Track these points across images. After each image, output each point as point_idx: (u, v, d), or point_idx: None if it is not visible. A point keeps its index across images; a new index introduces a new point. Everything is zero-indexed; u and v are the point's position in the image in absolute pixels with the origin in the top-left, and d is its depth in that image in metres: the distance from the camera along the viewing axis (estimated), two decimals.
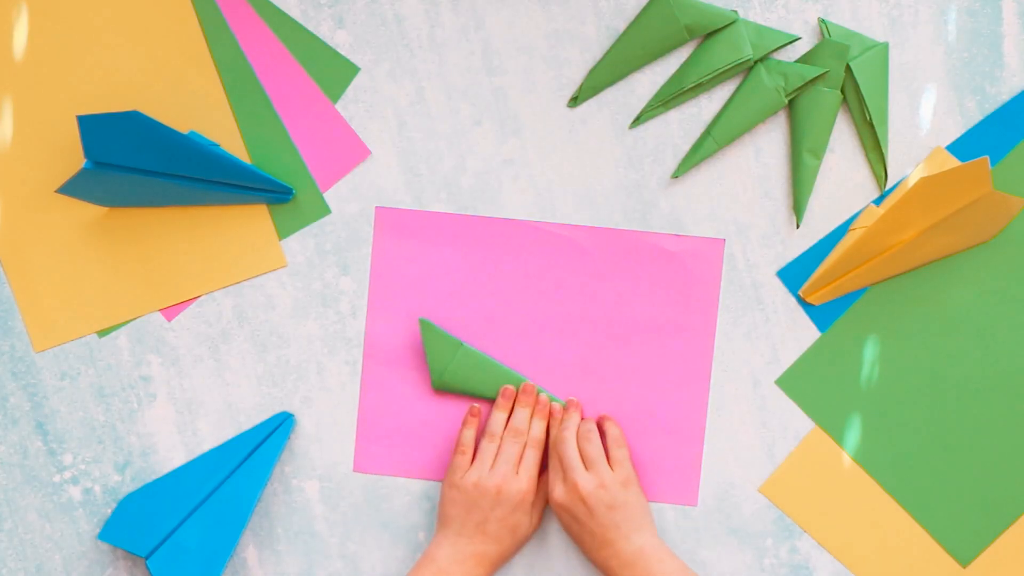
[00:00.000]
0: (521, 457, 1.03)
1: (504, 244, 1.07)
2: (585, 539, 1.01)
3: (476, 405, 1.05)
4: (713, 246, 1.06)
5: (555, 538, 1.07)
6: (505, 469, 1.02)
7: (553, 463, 1.03)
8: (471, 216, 1.07)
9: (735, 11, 1.04)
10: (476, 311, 1.07)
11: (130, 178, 1.00)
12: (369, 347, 1.07)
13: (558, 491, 1.01)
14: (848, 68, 1.04)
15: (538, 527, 1.06)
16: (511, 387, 1.05)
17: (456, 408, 1.07)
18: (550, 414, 1.05)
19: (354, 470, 1.07)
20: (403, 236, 1.07)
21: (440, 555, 1.02)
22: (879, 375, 1.06)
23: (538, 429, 1.04)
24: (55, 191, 1.02)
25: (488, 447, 1.03)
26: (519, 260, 1.07)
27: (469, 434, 1.05)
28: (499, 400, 1.05)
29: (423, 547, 1.07)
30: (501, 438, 1.04)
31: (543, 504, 1.05)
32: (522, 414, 1.04)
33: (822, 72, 1.03)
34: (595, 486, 1.00)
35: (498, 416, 1.04)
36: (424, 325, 1.04)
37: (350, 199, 1.07)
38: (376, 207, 1.07)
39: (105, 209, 1.07)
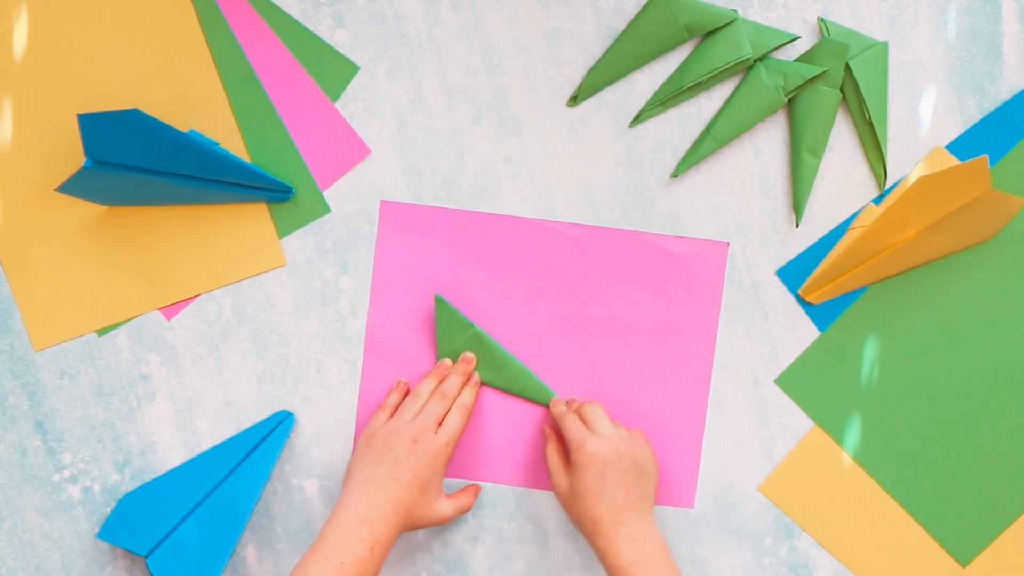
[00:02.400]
0: (443, 420, 1.01)
1: (508, 241, 1.07)
2: (604, 502, 0.97)
3: (405, 379, 1.05)
4: (717, 249, 1.06)
5: (555, 538, 1.07)
6: (424, 423, 1.00)
7: (570, 426, 1.00)
8: (476, 212, 1.07)
9: (734, 10, 1.04)
10: (477, 307, 1.07)
11: (130, 177, 1.00)
12: (370, 342, 1.07)
13: (591, 443, 0.97)
14: (848, 67, 1.04)
15: (449, 519, 1.02)
16: (448, 360, 1.04)
17: None
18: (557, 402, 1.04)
19: None
20: (407, 231, 1.07)
21: (354, 501, 0.97)
22: (878, 374, 1.06)
23: (468, 396, 1.03)
24: (55, 190, 1.02)
25: (411, 405, 1.02)
26: (522, 257, 1.07)
27: (395, 396, 1.04)
28: (434, 369, 1.04)
29: (421, 546, 1.07)
30: (426, 401, 1.02)
31: (457, 499, 1.02)
32: (454, 380, 1.03)
33: (821, 71, 1.03)
34: (631, 443, 0.99)
35: (427, 381, 1.03)
36: (438, 302, 1.04)
37: (350, 198, 1.07)
38: (381, 200, 1.07)
39: (105, 208, 1.07)
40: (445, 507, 1.01)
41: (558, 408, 1.04)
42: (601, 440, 0.98)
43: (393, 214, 1.07)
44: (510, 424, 1.07)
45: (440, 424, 1.01)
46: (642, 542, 0.96)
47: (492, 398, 1.07)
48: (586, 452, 0.97)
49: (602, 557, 0.97)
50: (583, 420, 1.01)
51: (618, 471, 0.97)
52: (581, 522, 0.98)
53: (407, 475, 0.98)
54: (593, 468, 0.97)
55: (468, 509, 1.04)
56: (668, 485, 1.06)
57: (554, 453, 1.03)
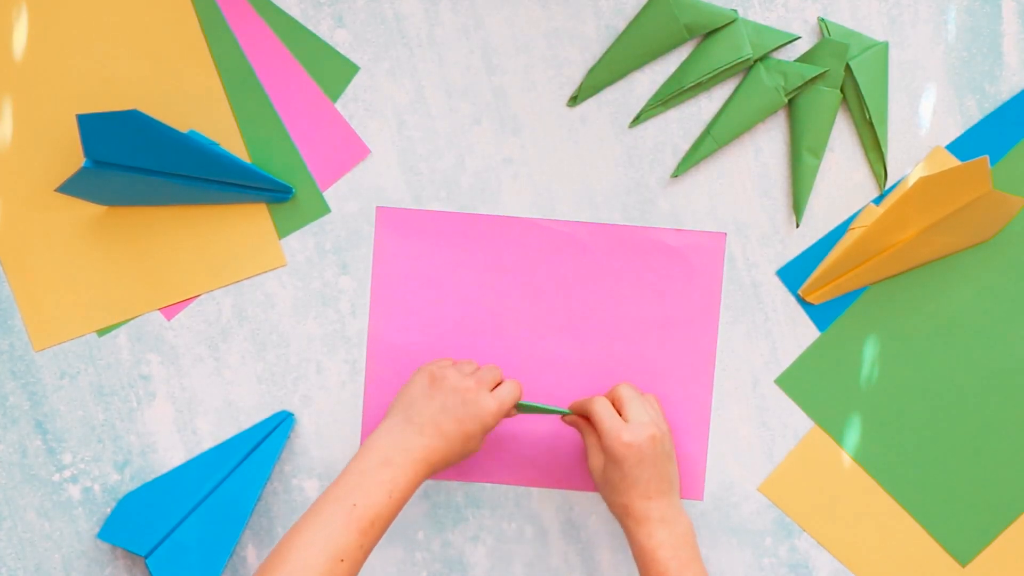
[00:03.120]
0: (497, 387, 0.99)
1: (505, 241, 1.07)
2: (640, 484, 0.96)
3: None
4: (714, 240, 1.06)
5: (555, 538, 1.07)
6: (482, 380, 0.97)
7: (602, 414, 0.97)
8: (471, 214, 1.07)
9: (735, 10, 1.04)
10: (478, 309, 1.07)
11: (130, 177, 1.00)
12: (372, 348, 1.07)
13: (627, 434, 0.95)
14: (848, 67, 1.04)
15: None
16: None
17: None
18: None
19: None
20: (404, 235, 1.07)
21: (383, 442, 0.94)
22: (879, 374, 1.06)
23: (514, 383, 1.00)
24: (55, 190, 1.02)
25: (466, 364, 1.00)
26: (520, 257, 1.07)
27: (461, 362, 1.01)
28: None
29: (423, 546, 1.07)
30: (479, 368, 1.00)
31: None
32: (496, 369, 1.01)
33: (822, 71, 1.03)
34: (660, 424, 0.98)
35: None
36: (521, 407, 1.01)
37: (350, 198, 1.07)
38: (377, 207, 1.07)
39: (105, 208, 1.07)
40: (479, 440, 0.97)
41: (584, 401, 1.01)
42: (637, 429, 0.95)
43: (390, 219, 1.07)
44: (511, 425, 1.07)
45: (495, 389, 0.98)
46: (673, 524, 0.96)
47: None
48: (624, 443, 0.95)
49: (631, 536, 0.96)
50: (615, 403, 0.99)
51: (652, 460, 0.95)
52: (612, 503, 0.98)
53: (451, 425, 0.94)
54: (628, 460, 0.95)
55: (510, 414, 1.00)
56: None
57: (590, 434, 1.00)
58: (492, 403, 0.96)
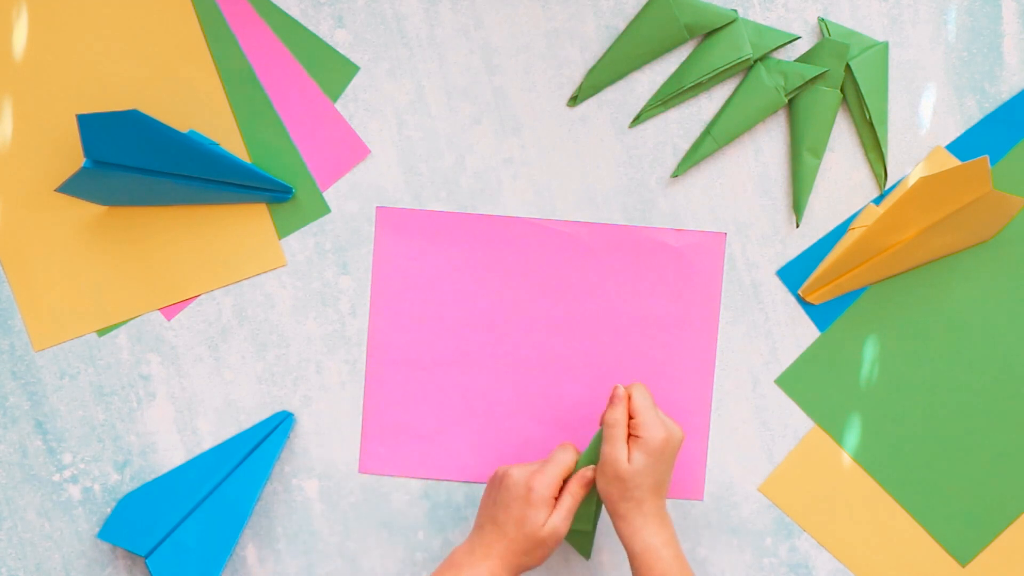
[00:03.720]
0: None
1: (505, 242, 1.07)
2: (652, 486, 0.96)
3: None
4: (714, 240, 1.06)
5: None
6: (542, 490, 0.97)
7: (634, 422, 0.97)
8: (471, 214, 1.07)
9: (735, 10, 1.04)
10: (479, 309, 1.07)
11: (130, 177, 1.00)
12: (372, 349, 1.07)
13: (657, 437, 0.96)
14: (848, 67, 1.04)
15: (562, 538, 0.97)
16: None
17: (459, 408, 1.07)
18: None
19: (360, 471, 1.07)
20: (404, 236, 1.07)
21: (458, 552, 0.98)
22: (879, 374, 1.06)
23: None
24: (55, 190, 1.02)
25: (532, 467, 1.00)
26: (520, 257, 1.07)
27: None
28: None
29: (423, 546, 1.07)
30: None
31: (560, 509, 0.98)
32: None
33: (822, 71, 1.03)
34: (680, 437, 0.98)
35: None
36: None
37: (350, 198, 1.07)
38: (377, 207, 1.07)
39: (105, 208, 1.07)
40: (558, 526, 0.97)
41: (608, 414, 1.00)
42: (666, 429, 0.97)
43: (390, 219, 1.07)
44: (510, 426, 1.07)
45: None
46: (668, 523, 0.97)
47: (494, 398, 1.07)
48: (655, 445, 0.96)
49: (632, 534, 0.96)
50: (632, 414, 0.98)
51: (663, 466, 0.96)
52: (617, 500, 0.97)
53: (506, 516, 0.96)
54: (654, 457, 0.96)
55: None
56: (677, 478, 1.06)
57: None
58: (543, 518, 0.96)
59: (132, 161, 0.99)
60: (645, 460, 0.95)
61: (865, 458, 1.06)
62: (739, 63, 1.04)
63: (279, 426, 1.06)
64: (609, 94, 1.06)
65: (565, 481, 0.98)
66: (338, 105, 1.07)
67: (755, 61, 1.04)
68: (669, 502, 1.06)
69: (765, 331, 1.06)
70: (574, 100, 1.06)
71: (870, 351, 1.06)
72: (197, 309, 1.07)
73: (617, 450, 0.96)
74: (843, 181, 1.06)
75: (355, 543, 1.08)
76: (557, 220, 1.06)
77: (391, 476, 1.07)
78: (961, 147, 1.05)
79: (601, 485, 0.97)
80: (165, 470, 1.08)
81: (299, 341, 1.07)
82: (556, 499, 0.97)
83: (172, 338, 1.08)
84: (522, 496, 0.96)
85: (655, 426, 0.96)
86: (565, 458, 0.99)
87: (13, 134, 1.07)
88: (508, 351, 1.07)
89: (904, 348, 1.06)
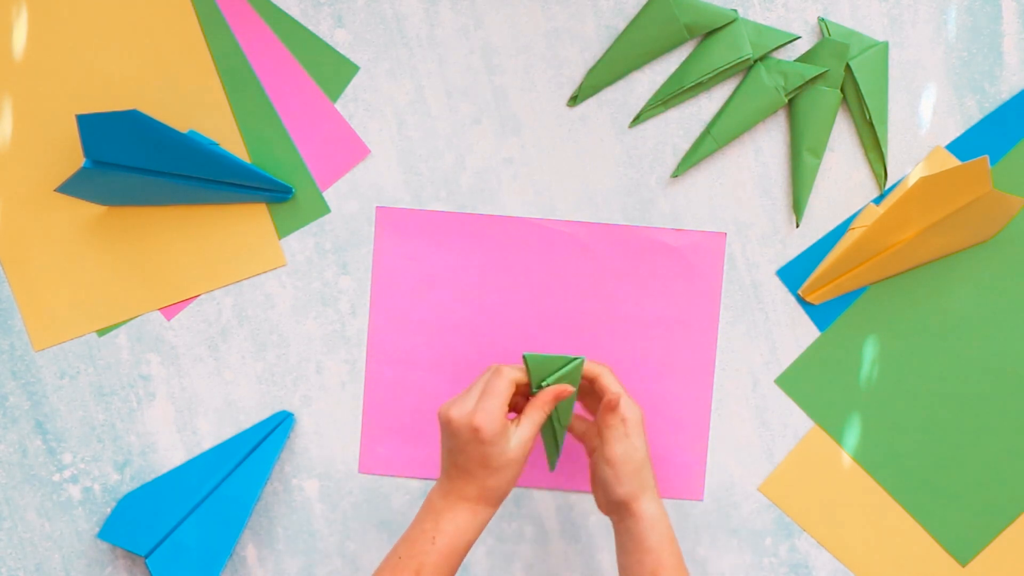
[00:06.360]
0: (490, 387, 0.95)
1: (505, 241, 1.07)
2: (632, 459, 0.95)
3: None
4: (714, 240, 1.06)
5: (555, 538, 1.07)
6: (485, 412, 0.92)
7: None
8: (471, 214, 1.07)
9: (735, 10, 1.04)
10: (478, 309, 1.07)
11: (129, 177, 1.00)
12: (372, 349, 1.07)
13: (638, 412, 0.96)
14: (848, 67, 1.04)
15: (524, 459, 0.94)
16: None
17: None
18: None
19: (359, 471, 1.07)
20: (404, 235, 1.07)
21: (430, 496, 0.95)
22: (878, 374, 1.06)
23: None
24: (55, 190, 1.02)
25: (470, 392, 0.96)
26: (520, 257, 1.07)
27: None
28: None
29: None
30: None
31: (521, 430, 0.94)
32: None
33: (822, 71, 1.03)
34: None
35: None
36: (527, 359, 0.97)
37: (349, 198, 1.07)
38: (376, 207, 1.07)
39: (104, 208, 1.07)
40: (524, 441, 0.94)
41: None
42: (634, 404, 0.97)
43: (390, 219, 1.07)
44: None
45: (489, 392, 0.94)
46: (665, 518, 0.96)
47: None
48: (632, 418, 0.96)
49: (635, 524, 0.95)
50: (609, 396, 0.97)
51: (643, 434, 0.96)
52: (616, 496, 0.96)
53: (466, 461, 0.93)
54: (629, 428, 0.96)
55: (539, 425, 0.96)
56: (677, 478, 1.07)
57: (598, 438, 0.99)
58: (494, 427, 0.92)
59: (132, 161, 0.99)
60: (642, 438, 0.95)
61: (865, 458, 1.06)
62: (739, 63, 1.04)
63: (279, 426, 1.06)
64: (609, 94, 1.06)
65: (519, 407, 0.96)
66: (338, 105, 1.07)
67: (755, 61, 1.04)
68: (669, 502, 1.06)
69: (765, 331, 1.06)
70: (574, 100, 1.06)
71: (870, 351, 1.06)
72: (197, 309, 1.07)
73: (631, 442, 0.95)
74: (843, 181, 1.06)
75: (355, 543, 1.08)
76: (557, 220, 1.06)
77: (391, 476, 1.08)
78: (961, 147, 1.05)
79: (610, 477, 0.96)
80: (165, 470, 1.08)
81: (299, 341, 1.07)
82: (513, 418, 0.94)
83: (172, 338, 1.08)
84: (473, 439, 0.92)
85: (631, 404, 0.96)
86: (503, 386, 0.93)
87: (13, 134, 1.07)
88: (507, 351, 1.07)
89: (904, 348, 1.06)
